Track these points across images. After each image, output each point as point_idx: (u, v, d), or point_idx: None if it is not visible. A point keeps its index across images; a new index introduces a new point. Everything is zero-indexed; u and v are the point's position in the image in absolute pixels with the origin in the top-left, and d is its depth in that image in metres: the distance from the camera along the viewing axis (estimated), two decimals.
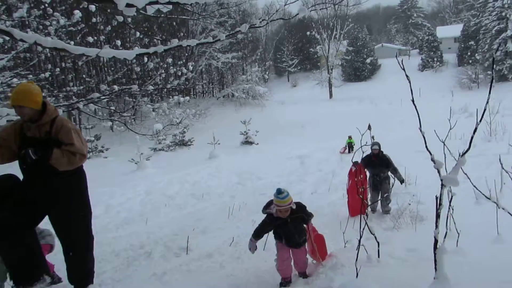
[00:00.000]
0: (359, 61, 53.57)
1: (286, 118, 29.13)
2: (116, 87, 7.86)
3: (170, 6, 4.24)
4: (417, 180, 7.83)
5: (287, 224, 3.84)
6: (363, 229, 3.82)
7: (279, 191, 3.74)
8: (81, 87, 21.94)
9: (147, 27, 27.98)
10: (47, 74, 13.67)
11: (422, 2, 77.55)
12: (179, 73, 22.07)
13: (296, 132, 23.38)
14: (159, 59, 23.79)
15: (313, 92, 47.42)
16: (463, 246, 3.87)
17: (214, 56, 33.61)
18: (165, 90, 24.96)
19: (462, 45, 48.72)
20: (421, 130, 2.97)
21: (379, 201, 6.50)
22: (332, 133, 19.06)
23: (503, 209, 3.14)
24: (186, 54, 30.93)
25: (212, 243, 5.33)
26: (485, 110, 2.77)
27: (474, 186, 3.32)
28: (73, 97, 17.64)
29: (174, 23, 30.33)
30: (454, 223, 3.97)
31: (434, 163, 2.88)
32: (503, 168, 3.50)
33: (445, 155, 3.15)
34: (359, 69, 53.93)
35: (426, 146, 2.94)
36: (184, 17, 16.30)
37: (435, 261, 2.92)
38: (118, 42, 11.75)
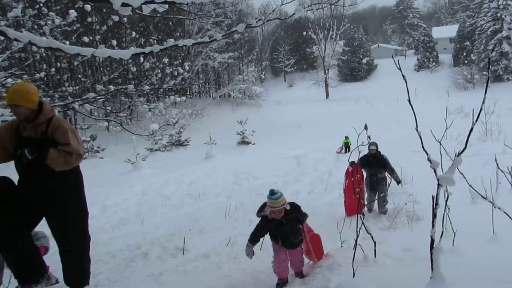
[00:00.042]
0: (355, 61, 53.70)
1: (283, 118, 29.16)
2: (112, 87, 7.80)
3: (166, 6, 4.23)
4: (413, 180, 7.85)
5: (283, 225, 3.81)
6: (360, 228, 3.83)
7: (272, 192, 3.71)
8: (77, 87, 21.82)
9: (143, 27, 27.91)
10: (42, 74, 13.55)
11: (418, 3, 78.03)
12: (175, 73, 21.98)
13: (293, 132, 23.40)
14: (155, 59, 23.72)
15: (309, 92, 47.50)
16: (459, 246, 3.88)
17: (211, 56, 33.60)
18: (161, 90, 24.90)
19: (458, 46, 48.95)
20: (417, 130, 2.98)
21: (376, 201, 6.52)
22: (328, 133, 19.09)
23: (498, 208, 3.15)
24: (183, 54, 30.88)
25: (208, 243, 5.32)
26: (481, 110, 2.78)
27: (470, 186, 3.33)
28: (69, 97, 17.55)
29: (170, 23, 30.26)
30: (450, 222, 3.98)
31: (431, 163, 2.89)
32: (498, 168, 3.52)
33: (441, 155, 3.16)
34: (355, 69, 54.06)
35: (423, 146, 2.95)
36: (180, 17, 16.28)
37: (432, 260, 2.92)
38: (114, 42, 11.68)
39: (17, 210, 3.19)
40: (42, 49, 8.38)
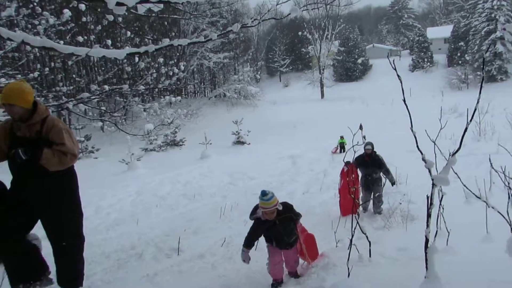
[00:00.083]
0: (351, 61, 53.83)
1: (278, 118, 29.18)
2: (106, 87, 7.76)
3: (161, 5, 4.22)
4: (408, 180, 7.88)
5: (276, 226, 3.79)
6: (355, 228, 3.83)
7: (263, 193, 3.68)
8: (71, 87, 21.69)
9: (138, 27, 27.81)
10: (36, 74, 13.48)
11: (412, 3, 78.36)
12: (171, 73, 21.91)
13: (288, 132, 23.42)
14: (150, 59, 23.64)
15: (304, 92, 47.55)
16: (453, 245, 3.90)
17: (206, 56, 33.54)
18: (157, 90, 24.83)
19: (452, 46, 49.21)
20: (412, 130, 2.99)
21: (371, 201, 6.53)
22: (323, 133, 19.13)
23: (492, 208, 3.16)
24: (178, 54, 30.82)
25: (203, 243, 5.31)
26: (475, 110, 2.79)
27: (464, 185, 3.34)
28: (63, 97, 17.42)
29: (166, 23, 30.18)
30: (444, 222, 3.99)
31: (425, 162, 2.90)
32: (492, 168, 3.53)
33: (435, 154, 3.17)
34: (350, 69, 54.19)
35: (417, 146, 2.96)
36: (175, 16, 16.23)
37: (426, 260, 2.93)
38: (109, 42, 11.61)
39: (12, 214, 3.16)
40: (36, 49, 8.33)
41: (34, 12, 10.65)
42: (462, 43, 46.63)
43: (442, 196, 3.45)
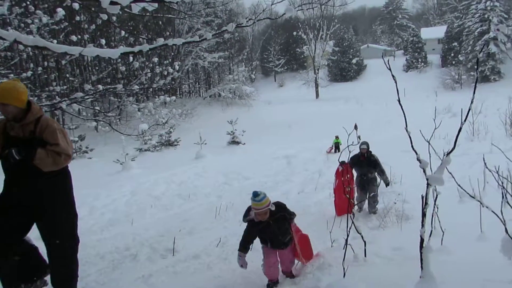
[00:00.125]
0: (345, 61, 53.97)
1: (273, 118, 29.19)
2: (100, 87, 7.70)
3: (156, 5, 4.19)
4: (402, 179, 7.92)
5: (270, 226, 3.78)
6: (350, 228, 3.84)
7: (255, 194, 3.66)
8: (65, 87, 21.53)
9: (132, 26, 27.68)
10: (29, 73, 13.38)
11: (407, 4, 78.59)
12: (165, 73, 21.84)
13: (283, 132, 23.45)
14: (144, 59, 23.53)
15: (299, 92, 47.60)
16: (447, 245, 3.92)
17: (201, 56, 33.48)
18: (151, 89, 24.72)
19: (446, 46, 49.51)
20: (407, 130, 3.00)
21: (366, 201, 6.55)
22: (318, 133, 19.17)
23: (486, 207, 3.18)
24: (172, 54, 30.72)
25: (199, 244, 5.29)
26: (469, 110, 2.80)
27: (459, 185, 3.36)
28: (56, 97, 17.29)
29: (160, 22, 30.07)
30: (439, 221, 4.02)
31: (420, 162, 2.91)
32: (486, 167, 3.55)
33: (430, 154, 3.18)
34: (345, 70, 54.33)
35: (412, 146, 2.97)
36: (170, 16, 16.17)
37: (421, 259, 2.94)
38: (103, 41, 11.52)
39: (3, 219, 3.13)
40: (29, 48, 8.26)
41: (27, 10, 10.57)
42: (455, 44, 46.92)
43: (437, 195, 3.47)
